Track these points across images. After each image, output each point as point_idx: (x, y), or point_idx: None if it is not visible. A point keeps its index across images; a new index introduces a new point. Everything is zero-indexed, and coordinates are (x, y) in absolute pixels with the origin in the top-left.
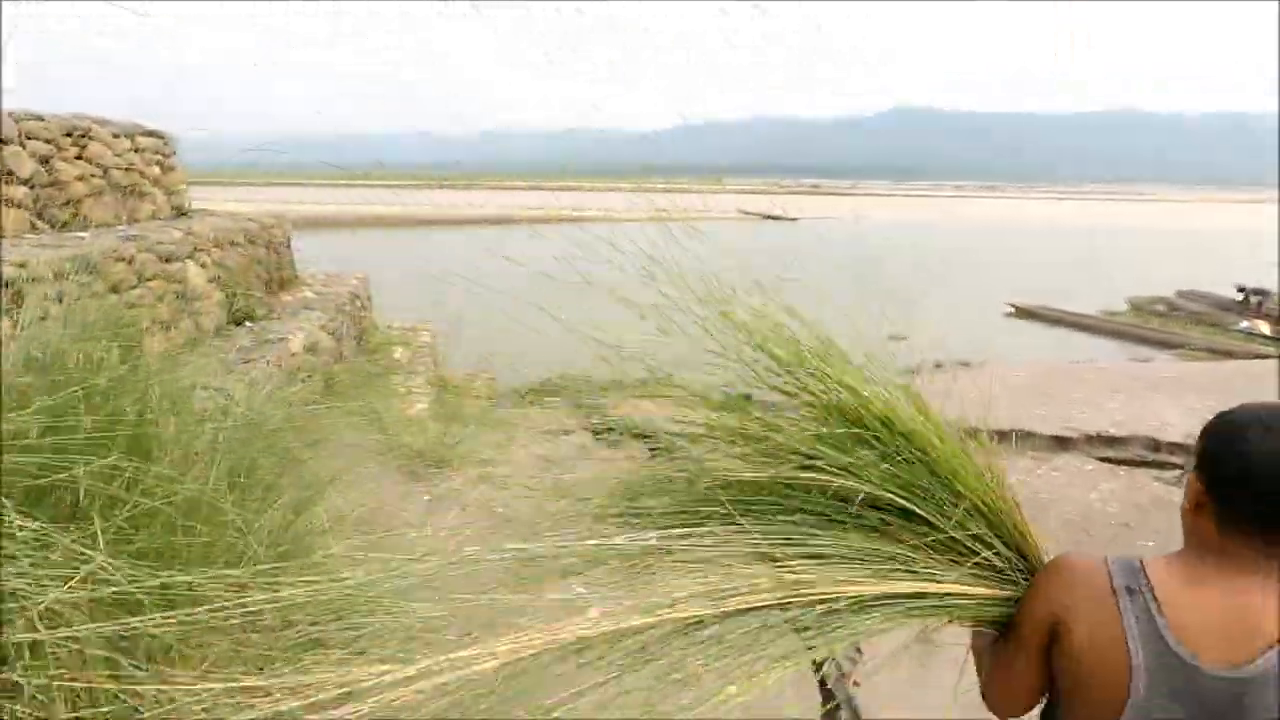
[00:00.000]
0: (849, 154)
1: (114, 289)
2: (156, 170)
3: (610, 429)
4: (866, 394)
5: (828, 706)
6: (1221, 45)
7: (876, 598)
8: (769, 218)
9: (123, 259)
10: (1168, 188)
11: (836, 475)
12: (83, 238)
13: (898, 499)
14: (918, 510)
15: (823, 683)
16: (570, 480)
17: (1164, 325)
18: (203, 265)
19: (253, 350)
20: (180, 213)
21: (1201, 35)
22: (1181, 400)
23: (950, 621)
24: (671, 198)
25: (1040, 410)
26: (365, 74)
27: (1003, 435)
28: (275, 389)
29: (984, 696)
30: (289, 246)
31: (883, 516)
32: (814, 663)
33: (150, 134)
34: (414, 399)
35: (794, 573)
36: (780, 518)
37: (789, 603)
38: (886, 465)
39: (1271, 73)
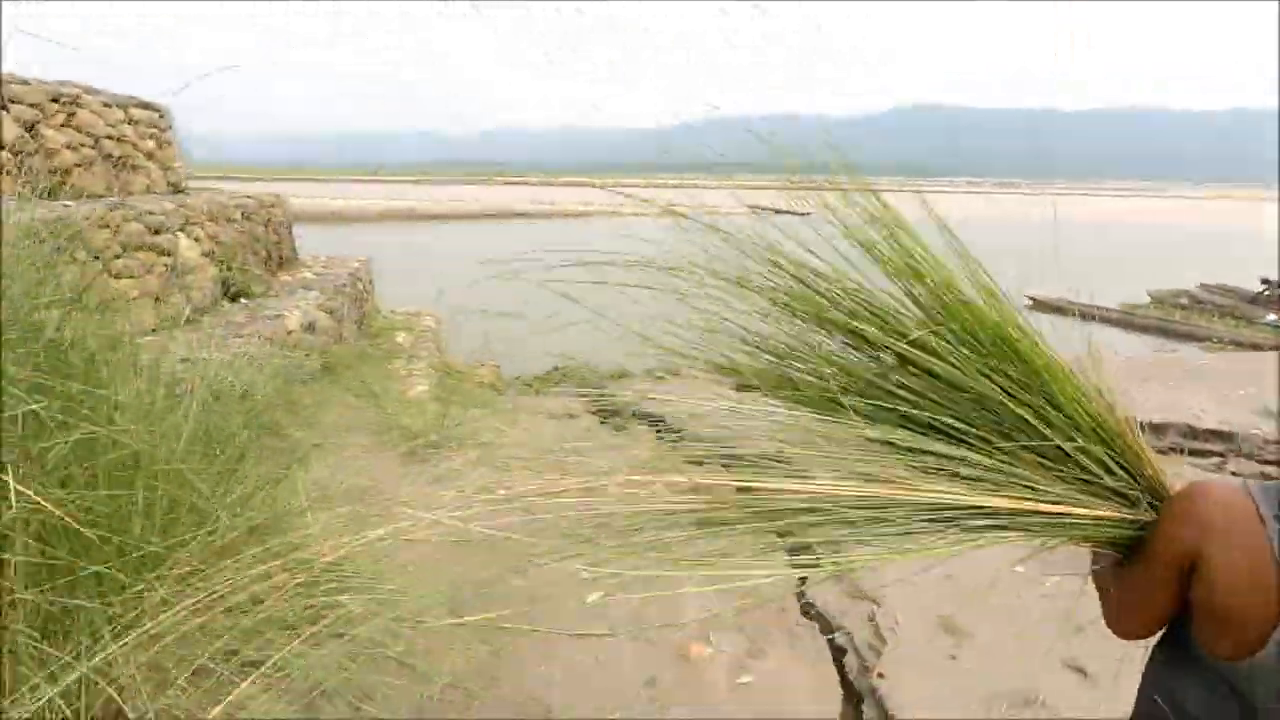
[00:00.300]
0: (855, 152)
1: (96, 257)
2: (151, 144)
3: (616, 413)
4: (980, 304)
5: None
6: (1231, 43)
7: (996, 511)
8: (779, 212)
9: (107, 226)
10: (1180, 184)
11: (951, 366)
12: (69, 206)
13: (1012, 405)
14: (1031, 421)
15: (844, 676)
16: (575, 462)
17: (1187, 318)
18: (195, 239)
19: (246, 326)
20: (176, 189)
21: (1207, 34)
22: (1216, 388)
23: (1068, 542)
24: (681, 193)
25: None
26: (365, 74)
27: None
28: (264, 362)
29: (1109, 622)
30: (289, 227)
31: (998, 433)
32: (833, 655)
33: (145, 106)
34: (415, 382)
35: (925, 479)
36: (902, 424)
37: (922, 505)
38: (1000, 375)
39: (1271, 71)
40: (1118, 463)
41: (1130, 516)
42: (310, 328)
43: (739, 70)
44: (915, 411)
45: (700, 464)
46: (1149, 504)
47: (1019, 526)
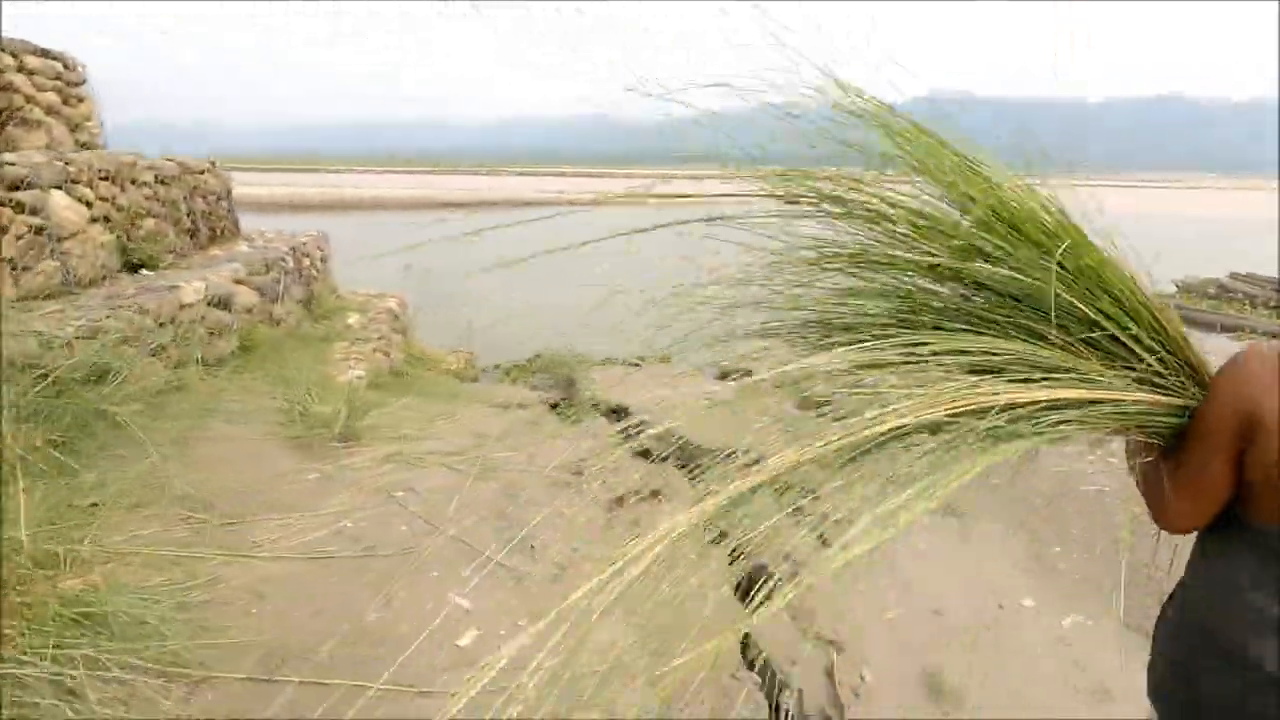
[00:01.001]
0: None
1: None
2: (53, 97)
3: (569, 402)
4: (1012, 193)
5: None
6: (1234, 38)
7: (1049, 404)
8: (790, 201)
9: None
10: (1199, 175)
11: (998, 266)
12: None
13: (1066, 295)
14: (1080, 307)
15: None
16: (500, 459)
17: (1216, 308)
18: (81, 200)
19: (135, 299)
20: (88, 150)
21: (1206, 30)
22: None
23: (1120, 430)
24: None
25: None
26: (366, 73)
27: None
28: (118, 338)
29: (1159, 516)
30: (226, 198)
31: (1043, 322)
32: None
33: (45, 54)
34: (350, 366)
35: (977, 382)
36: (946, 322)
37: (979, 410)
38: (1046, 265)
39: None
40: (1166, 349)
41: (1180, 401)
42: (221, 303)
43: (739, 69)
44: (974, 315)
45: (649, 457)
46: (1195, 388)
47: (1079, 419)
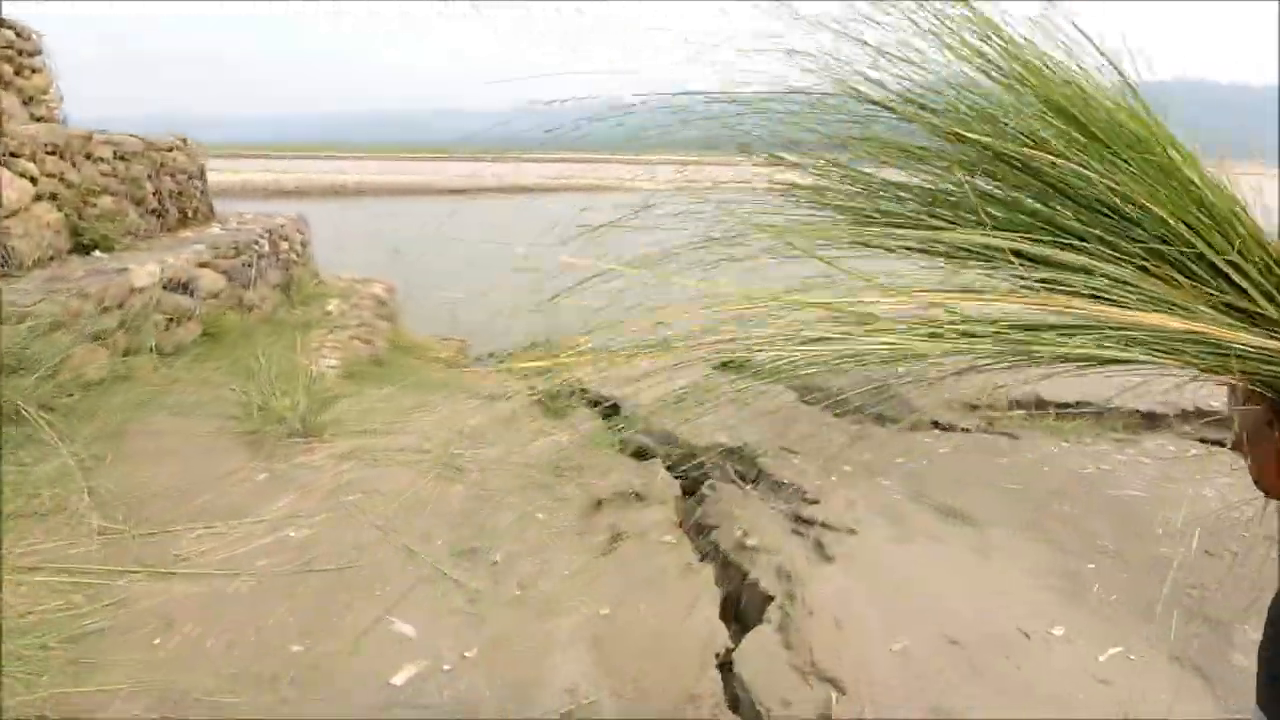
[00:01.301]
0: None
1: None
2: (4, 68)
3: (557, 392)
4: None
5: None
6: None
7: (1162, 330)
8: (798, 188)
9: None
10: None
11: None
12: None
13: (1164, 214)
14: (1165, 218)
15: None
16: (474, 458)
17: None
18: (24, 175)
19: (80, 282)
20: (43, 123)
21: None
22: None
23: (1215, 371)
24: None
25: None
26: (367, 72)
27: (1068, 409)
28: (49, 324)
29: (1259, 480)
30: (199, 178)
31: (1148, 251)
32: None
33: None
34: (325, 354)
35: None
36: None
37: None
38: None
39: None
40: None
41: None
42: (182, 288)
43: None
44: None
45: (642, 457)
46: None
47: (1174, 351)
